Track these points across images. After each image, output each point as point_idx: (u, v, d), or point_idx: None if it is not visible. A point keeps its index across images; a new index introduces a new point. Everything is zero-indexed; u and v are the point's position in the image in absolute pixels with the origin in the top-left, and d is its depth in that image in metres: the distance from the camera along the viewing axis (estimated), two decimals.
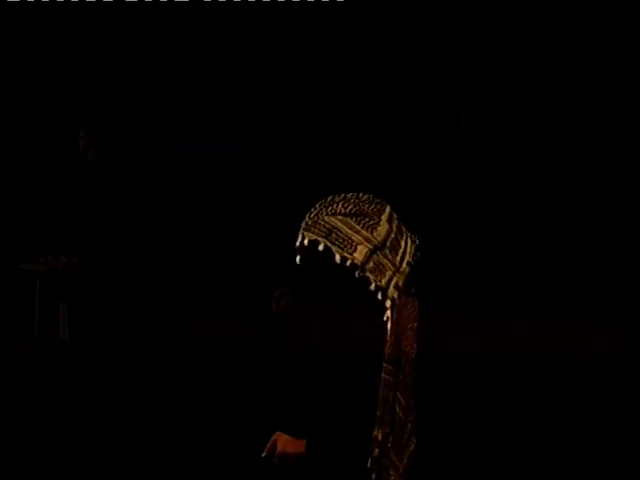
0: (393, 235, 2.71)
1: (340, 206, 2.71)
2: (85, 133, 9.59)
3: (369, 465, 2.76)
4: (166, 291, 11.34)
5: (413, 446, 2.67)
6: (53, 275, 9.22)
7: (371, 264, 2.68)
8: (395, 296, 2.70)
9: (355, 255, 2.67)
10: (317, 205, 2.73)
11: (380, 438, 2.73)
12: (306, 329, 8.68)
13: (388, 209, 2.74)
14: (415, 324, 2.70)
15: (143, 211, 11.63)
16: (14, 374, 7.81)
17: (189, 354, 8.63)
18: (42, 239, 10.12)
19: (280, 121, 12.15)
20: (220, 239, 12.13)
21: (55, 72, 11.64)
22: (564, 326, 9.75)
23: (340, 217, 2.69)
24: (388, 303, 2.70)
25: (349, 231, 2.69)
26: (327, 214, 2.70)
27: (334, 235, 2.68)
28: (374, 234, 2.69)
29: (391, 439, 2.70)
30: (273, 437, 2.95)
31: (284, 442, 2.92)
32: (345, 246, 2.67)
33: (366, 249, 2.68)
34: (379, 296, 2.70)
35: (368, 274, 2.69)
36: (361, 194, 2.75)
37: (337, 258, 2.67)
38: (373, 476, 2.75)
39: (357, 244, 2.68)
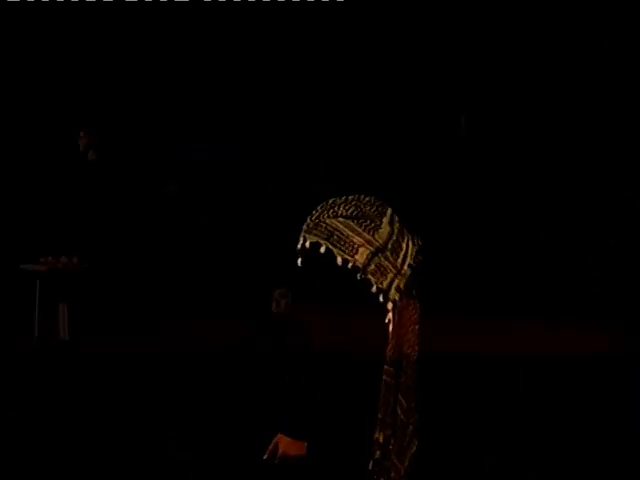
0: (394, 237, 2.71)
1: (341, 208, 2.71)
2: (85, 133, 9.59)
3: (370, 467, 2.76)
4: (166, 291, 11.35)
5: (414, 448, 2.67)
6: (53, 275, 9.22)
7: (373, 266, 2.68)
8: (397, 298, 2.70)
9: (357, 257, 2.67)
10: (318, 207, 2.73)
11: (381, 440, 2.73)
12: (306, 329, 8.68)
13: (389, 211, 2.73)
14: (416, 326, 2.70)
15: (143, 211, 11.64)
16: (14, 374, 7.80)
17: (189, 354, 8.63)
18: (42, 239, 10.12)
19: (280, 121, 12.15)
20: (220, 239, 12.13)
21: (55, 72, 11.63)
22: (564, 326, 9.75)
23: (341, 219, 2.69)
24: (390, 305, 2.71)
25: (350, 233, 2.68)
26: (328, 216, 2.70)
27: (335, 237, 2.68)
28: (375, 236, 2.69)
29: (392, 441, 2.70)
30: (275, 439, 2.95)
31: (285, 444, 2.92)
32: (347, 248, 2.67)
33: (367, 251, 2.68)
34: (381, 298, 2.70)
35: (370, 276, 2.69)
36: (362, 196, 2.75)
37: (339, 260, 2.67)
38: (374, 478, 2.75)
39: (358, 246, 2.68)
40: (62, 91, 11.64)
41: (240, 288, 11.40)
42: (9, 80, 11.52)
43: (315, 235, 2.69)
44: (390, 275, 2.69)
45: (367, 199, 2.74)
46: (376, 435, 2.74)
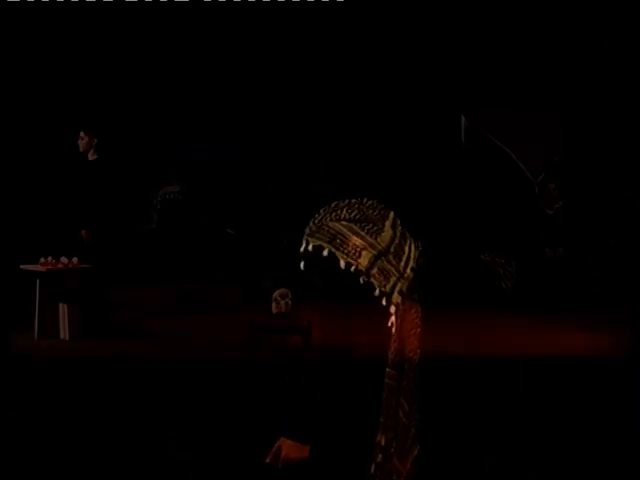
0: (397, 241, 2.71)
1: (344, 212, 2.70)
2: (85, 133, 9.59)
3: (372, 470, 2.76)
4: (166, 291, 11.36)
5: (416, 451, 2.67)
6: (53, 275, 9.22)
7: (375, 270, 2.68)
8: (399, 302, 2.70)
9: (360, 261, 2.67)
10: (321, 211, 2.73)
11: (383, 443, 2.73)
12: (306, 329, 8.68)
13: (392, 215, 2.73)
14: (418, 330, 2.70)
15: (143, 211, 11.64)
16: (14, 374, 7.80)
17: (189, 354, 8.63)
18: (42, 240, 10.13)
19: (280, 121, 12.17)
20: (220, 239, 12.15)
21: (55, 73, 11.64)
22: (564, 326, 9.75)
23: (344, 223, 2.69)
24: (392, 309, 2.71)
25: (353, 237, 2.68)
26: (331, 220, 2.70)
27: (338, 240, 2.67)
28: (378, 240, 2.69)
29: (394, 444, 2.70)
30: (277, 442, 2.95)
31: (288, 447, 2.92)
32: (349, 252, 2.67)
33: (370, 255, 2.68)
34: (383, 302, 2.70)
35: (372, 280, 2.68)
36: (365, 200, 2.74)
37: (342, 264, 2.66)
38: None
39: (361, 250, 2.68)
40: (62, 91, 11.65)
41: (240, 288, 11.42)
42: (9, 80, 11.52)
43: (318, 238, 2.68)
44: (393, 278, 2.69)
45: (370, 203, 2.74)
46: (378, 438, 2.75)
